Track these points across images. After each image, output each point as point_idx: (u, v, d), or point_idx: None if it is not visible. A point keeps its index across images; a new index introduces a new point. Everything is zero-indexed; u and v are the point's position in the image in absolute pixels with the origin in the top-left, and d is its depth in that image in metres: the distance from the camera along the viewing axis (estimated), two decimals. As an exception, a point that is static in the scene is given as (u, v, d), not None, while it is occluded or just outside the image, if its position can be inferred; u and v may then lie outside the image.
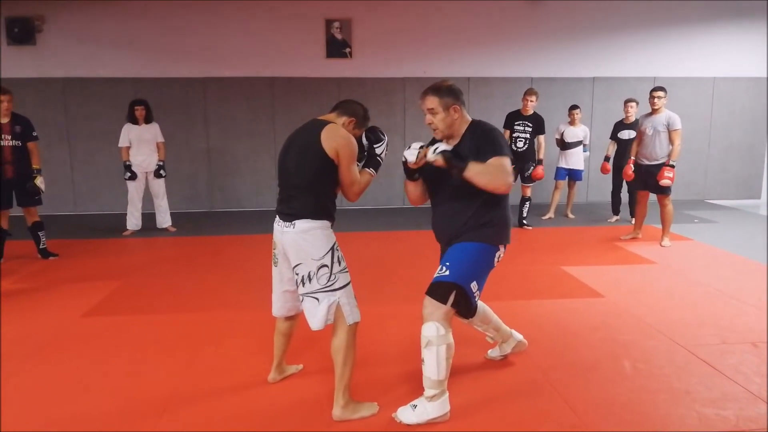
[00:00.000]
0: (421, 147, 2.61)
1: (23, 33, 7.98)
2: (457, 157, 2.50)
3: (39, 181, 5.42)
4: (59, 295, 4.52)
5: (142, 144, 6.74)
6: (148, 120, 6.77)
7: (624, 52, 8.96)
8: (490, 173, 2.47)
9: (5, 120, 5.28)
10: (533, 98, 6.76)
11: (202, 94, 8.46)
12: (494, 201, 2.61)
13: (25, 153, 5.38)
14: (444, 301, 2.53)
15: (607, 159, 7.40)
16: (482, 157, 2.51)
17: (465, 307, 2.63)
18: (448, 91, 2.61)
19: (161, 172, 6.88)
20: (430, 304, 2.55)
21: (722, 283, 4.66)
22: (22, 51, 8.06)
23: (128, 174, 6.73)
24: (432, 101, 2.60)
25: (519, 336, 3.20)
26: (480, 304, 2.94)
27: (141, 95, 7.18)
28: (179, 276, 5.09)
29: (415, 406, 2.57)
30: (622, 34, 8.91)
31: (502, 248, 2.69)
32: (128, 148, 6.72)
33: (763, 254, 5.58)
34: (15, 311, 4.13)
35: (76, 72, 8.20)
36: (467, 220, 2.61)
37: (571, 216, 7.82)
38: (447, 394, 2.59)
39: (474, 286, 2.58)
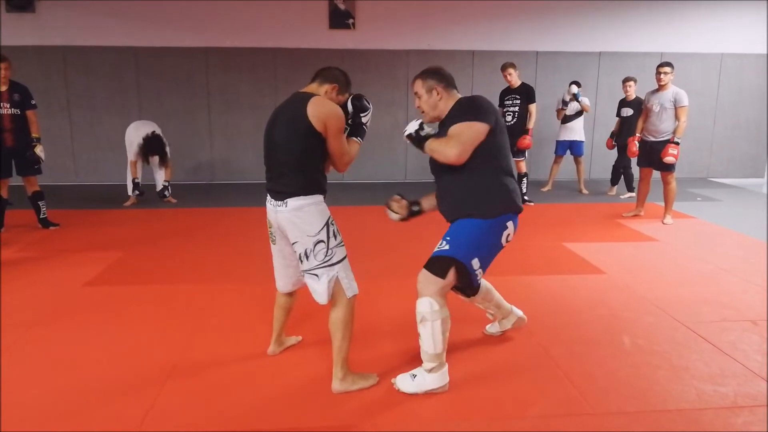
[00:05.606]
0: (421, 122, 2.64)
1: (23, 0, 7.85)
2: (419, 137, 2.57)
3: (39, 150, 5.39)
4: (61, 264, 4.53)
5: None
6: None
7: (631, 27, 8.81)
8: (438, 150, 2.51)
9: (3, 88, 5.22)
10: (510, 71, 6.64)
11: (204, 65, 8.36)
12: (481, 173, 2.54)
13: (24, 121, 5.34)
14: (442, 276, 2.49)
15: (612, 135, 7.48)
16: (443, 130, 2.55)
17: (466, 285, 2.58)
18: (431, 73, 2.65)
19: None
20: (425, 279, 2.51)
21: (724, 261, 4.65)
22: (21, 18, 7.94)
23: (136, 192, 6.78)
24: (416, 85, 2.66)
25: (519, 312, 3.18)
26: (483, 282, 2.91)
27: (142, 64, 7.10)
28: (181, 247, 5.09)
29: (414, 376, 2.58)
30: (630, 9, 8.75)
31: (510, 224, 2.58)
32: (136, 162, 6.73)
33: (765, 233, 5.56)
34: (16, 279, 4.14)
35: (77, 40, 8.09)
36: (461, 199, 2.58)
37: (585, 192, 7.82)
38: (446, 367, 2.59)
39: (476, 263, 2.53)
